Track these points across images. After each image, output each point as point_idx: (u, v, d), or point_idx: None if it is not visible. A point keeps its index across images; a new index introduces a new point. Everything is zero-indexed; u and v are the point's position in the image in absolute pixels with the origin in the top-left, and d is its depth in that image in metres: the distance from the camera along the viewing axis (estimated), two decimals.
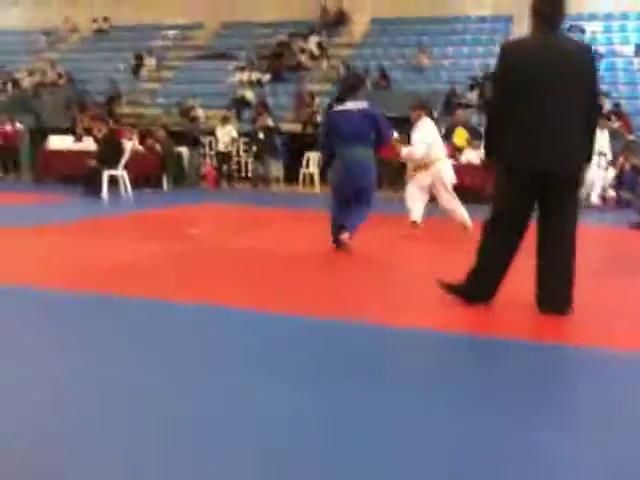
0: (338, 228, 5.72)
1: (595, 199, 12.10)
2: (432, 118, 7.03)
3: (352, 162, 5.57)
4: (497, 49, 15.19)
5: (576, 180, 3.82)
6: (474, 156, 12.17)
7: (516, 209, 3.80)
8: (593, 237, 7.71)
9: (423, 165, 6.93)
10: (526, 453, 2.03)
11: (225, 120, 14.89)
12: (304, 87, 17.32)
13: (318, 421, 2.23)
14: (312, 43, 19.70)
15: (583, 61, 3.77)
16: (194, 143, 14.58)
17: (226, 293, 4.12)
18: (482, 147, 4.18)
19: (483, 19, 19.83)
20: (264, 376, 2.63)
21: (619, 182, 12.34)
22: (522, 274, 3.84)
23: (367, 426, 2.21)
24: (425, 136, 6.98)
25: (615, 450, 2.09)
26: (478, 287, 3.90)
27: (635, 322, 3.78)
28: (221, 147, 14.69)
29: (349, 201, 5.73)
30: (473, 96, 16.46)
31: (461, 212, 7.02)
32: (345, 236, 5.58)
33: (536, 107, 3.67)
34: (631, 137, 13.49)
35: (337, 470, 1.89)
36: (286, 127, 16.11)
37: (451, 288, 4.00)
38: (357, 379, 2.65)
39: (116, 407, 2.31)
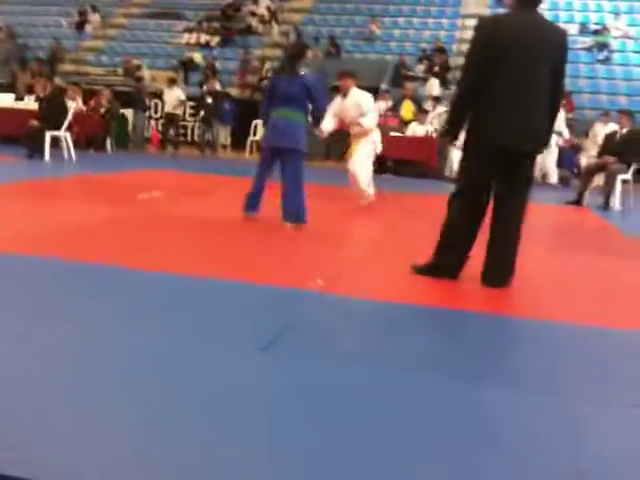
0: (250, 196, 5.79)
1: (555, 179, 12.35)
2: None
3: (275, 120, 5.55)
4: (446, 21, 15.37)
5: (532, 159, 3.93)
6: (420, 129, 12.33)
7: (480, 183, 3.88)
8: (534, 214, 7.95)
9: (364, 133, 7.00)
10: (471, 411, 2.16)
11: (172, 82, 14.61)
12: (251, 55, 17.08)
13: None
14: (262, 6, 19.42)
15: (557, 44, 3.81)
16: (140, 105, 14.28)
17: (172, 260, 4.14)
18: (445, 122, 4.22)
19: None
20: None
21: (559, 160, 12.70)
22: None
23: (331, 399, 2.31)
24: (372, 105, 7.10)
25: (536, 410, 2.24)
26: (445, 262, 3.96)
27: (567, 295, 3.98)
28: (168, 109, 14.43)
29: (270, 165, 5.70)
30: (421, 68, 16.59)
31: (367, 183, 7.11)
32: (289, 226, 5.54)
33: (508, 84, 3.71)
34: (570, 115, 13.86)
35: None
36: (234, 93, 15.97)
37: (420, 270, 4.06)
38: (304, 349, 2.74)
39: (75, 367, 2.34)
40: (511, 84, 3.71)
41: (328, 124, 6.63)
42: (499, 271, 3.94)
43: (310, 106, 5.70)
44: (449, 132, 4.11)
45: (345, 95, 6.97)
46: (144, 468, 1.78)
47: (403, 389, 2.42)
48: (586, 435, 2.16)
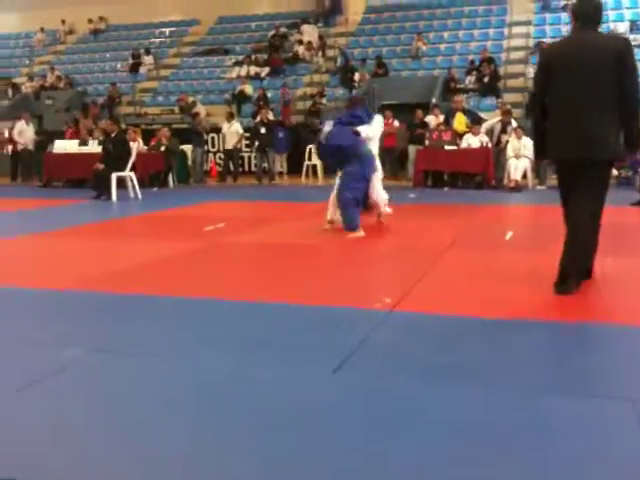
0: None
1: None
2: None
3: None
4: (492, 31, 15.30)
5: (602, 165, 4.09)
6: (474, 141, 12.31)
7: (565, 188, 4.22)
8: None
9: None
10: (544, 418, 2.21)
11: (231, 116, 15.02)
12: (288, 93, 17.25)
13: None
14: (308, 34, 19.77)
15: (614, 57, 3.93)
16: (198, 140, 14.72)
17: (242, 288, 4.30)
18: (533, 145, 4.55)
19: (478, 1, 19.84)
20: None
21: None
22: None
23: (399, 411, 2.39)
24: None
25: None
26: (569, 263, 4.10)
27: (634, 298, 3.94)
28: (227, 144, 14.82)
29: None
30: (471, 80, 16.56)
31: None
32: None
33: (565, 102, 4.04)
34: None
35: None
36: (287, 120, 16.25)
37: (558, 288, 4.08)
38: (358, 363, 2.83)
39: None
40: (568, 102, 4.03)
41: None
42: (574, 275, 4.06)
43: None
44: (537, 155, 4.60)
45: None
46: None
47: (475, 401, 2.48)
48: None
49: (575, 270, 4.06)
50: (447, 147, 12.32)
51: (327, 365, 2.85)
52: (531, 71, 16.73)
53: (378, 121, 7.15)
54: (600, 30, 4.26)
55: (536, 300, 4.01)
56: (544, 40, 17.69)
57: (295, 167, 14.78)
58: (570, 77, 4.00)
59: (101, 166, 10.86)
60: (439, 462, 1.99)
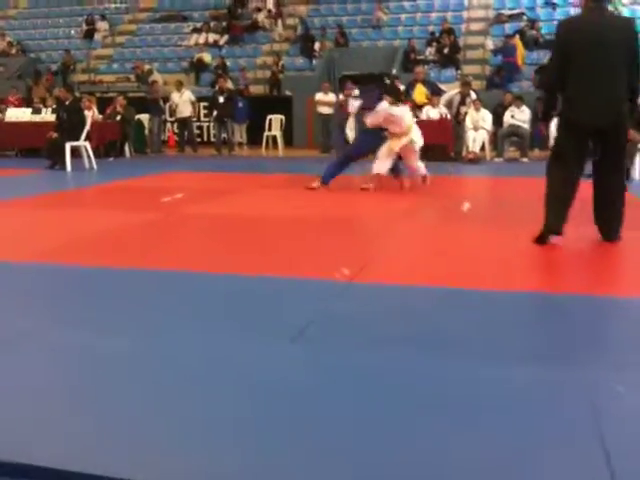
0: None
1: None
2: None
3: None
4: (452, 2, 15.32)
5: (624, 132, 4.64)
6: (433, 113, 12.33)
7: (572, 151, 4.58)
8: None
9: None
10: (495, 388, 2.25)
11: (180, 85, 14.77)
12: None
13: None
14: (269, 2, 19.46)
15: (625, 33, 4.51)
16: (155, 109, 14.44)
17: (200, 259, 4.26)
18: (540, 110, 5.41)
19: None
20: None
21: None
22: None
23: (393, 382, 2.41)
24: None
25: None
26: (550, 221, 4.62)
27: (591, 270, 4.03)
28: (180, 113, 14.59)
29: None
30: (431, 51, 16.55)
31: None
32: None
33: (584, 73, 4.46)
34: None
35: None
36: (246, 89, 16.05)
37: (539, 239, 4.64)
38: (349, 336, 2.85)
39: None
40: (587, 73, 4.46)
41: None
42: (609, 230, 4.64)
43: None
44: (544, 118, 5.23)
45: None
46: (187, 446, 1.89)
47: (428, 370, 2.51)
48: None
49: (614, 230, 4.62)
50: None
51: (285, 335, 2.85)
52: (490, 43, 16.83)
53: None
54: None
55: (492, 270, 4.07)
56: (503, 12, 17.80)
57: (255, 138, 14.63)
58: (588, 53, 4.42)
59: (55, 135, 10.60)
60: (392, 431, 2.01)
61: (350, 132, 10.22)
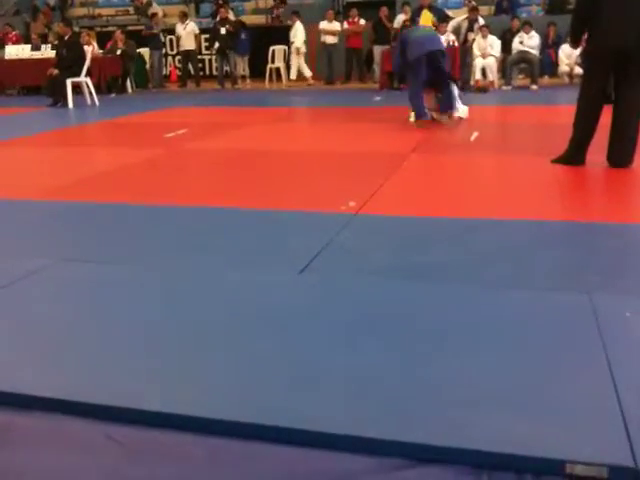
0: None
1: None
2: None
3: None
4: None
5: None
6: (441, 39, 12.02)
7: (599, 79, 4.80)
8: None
9: None
10: (499, 311, 2.26)
11: (184, 16, 14.39)
12: None
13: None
14: None
15: None
16: (156, 43, 14.13)
17: (206, 194, 4.25)
18: (570, 34, 5.34)
19: None
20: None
21: None
22: None
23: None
24: None
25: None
26: (572, 152, 4.92)
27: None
28: (183, 45, 14.27)
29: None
30: None
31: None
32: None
33: (611, 3, 4.64)
34: None
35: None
36: (248, 20, 15.66)
37: (559, 160, 4.94)
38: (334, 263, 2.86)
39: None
40: (612, 3, 4.63)
41: None
42: (621, 154, 4.76)
43: None
44: (573, 41, 5.27)
45: None
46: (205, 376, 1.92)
47: (436, 299, 2.52)
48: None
49: (632, 149, 4.73)
50: None
51: (293, 267, 2.86)
52: None
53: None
54: None
55: (501, 199, 4.04)
56: None
57: (258, 70, 14.35)
58: None
59: (55, 71, 10.44)
60: (401, 359, 2.03)
61: None
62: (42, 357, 2.14)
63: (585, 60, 5.16)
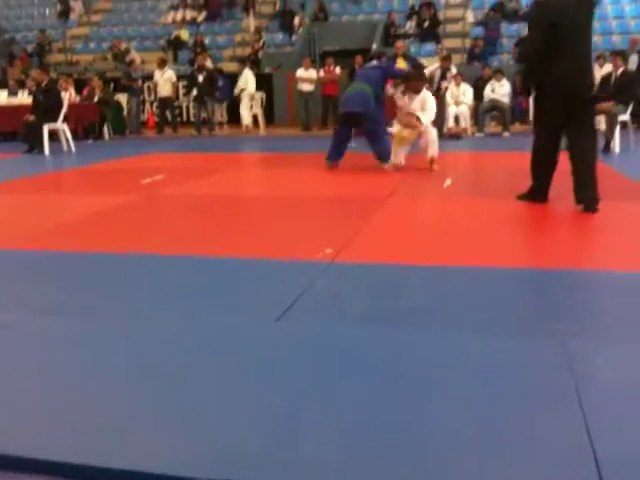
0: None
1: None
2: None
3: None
4: None
5: (595, 102, 5.21)
6: None
7: (552, 123, 4.98)
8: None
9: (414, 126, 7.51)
10: (476, 357, 2.27)
11: (163, 63, 14.55)
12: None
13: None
14: None
15: (590, 9, 5.03)
16: (133, 89, 14.25)
17: (182, 242, 4.24)
18: (521, 82, 5.89)
19: None
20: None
21: None
22: None
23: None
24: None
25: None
26: (535, 190, 5.17)
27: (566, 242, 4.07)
28: (161, 92, 14.41)
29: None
30: (411, 25, 16.45)
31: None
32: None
33: (564, 47, 4.77)
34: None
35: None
36: (226, 67, 15.89)
37: (523, 197, 5.24)
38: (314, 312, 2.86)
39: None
40: (567, 47, 4.77)
41: None
42: (587, 201, 4.83)
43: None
44: (524, 89, 5.74)
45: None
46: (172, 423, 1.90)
47: (412, 345, 2.53)
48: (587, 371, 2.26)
49: (594, 195, 4.80)
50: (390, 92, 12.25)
51: (269, 314, 2.86)
52: (470, 16, 16.75)
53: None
54: None
55: (475, 246, 4.09)
56: None
57: (235, 117, 14.50)
58: (567, 27, 4.75)
59: (32, 117, 10.45)
60: (373, 406, 2.03)
61: None
62: (11, 414, 2.10)
63: (538, 105, 5.16)
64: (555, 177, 5.15)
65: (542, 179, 5.12)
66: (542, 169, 5.10)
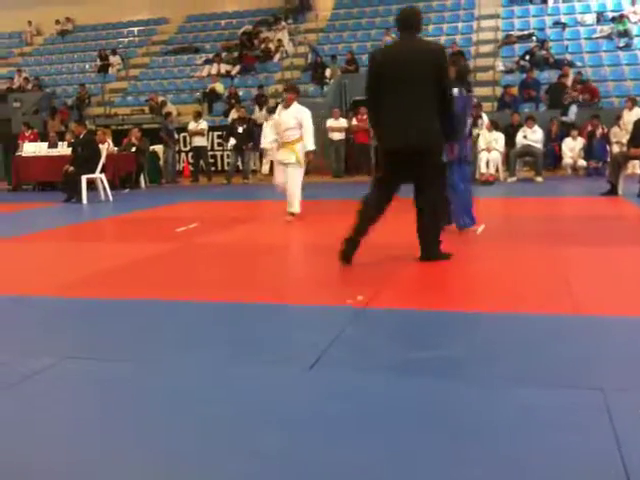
0: None
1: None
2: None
3: None
4: (461, 25, 15.50)
5: (432, 154, 4.66)
6: None
7: (386, 176, 4.78)
8: (568, 206, 7.97)
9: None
10: (517, 409, 2.23)
11: (198, 115, 14.94)
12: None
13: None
14: (279, 31, 19.71)
15: (432, 61, 4.59)
16: (169, 140, 14.60)
17: (217, 289, 4.28)
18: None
19: None
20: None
21: (588, 151, 12.62)
22: None
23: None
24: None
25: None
26: (347, 247, 4.76)
27: (606, 288, 4.01)
28: (195, 142, 14.74)
29: None
30: None
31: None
32: None
33: (393, 98, 4.58)
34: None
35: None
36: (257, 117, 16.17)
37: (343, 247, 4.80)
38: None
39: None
40: (395, 99, 4.57)
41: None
42: (423, 249, 4.80)
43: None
44: (375, 139, 5.21)
45: (287, 107, 7.82)
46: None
47: (448, 396, 2.49)
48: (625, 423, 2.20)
49: (430, 247, 4.77)
50: None
51: (303, 362, 2.85)
52: (500, 64, 16.89)
53: None
54: (420, 36, 4.92)
55: (509, 292, 4.04)
56: (512, 33, 17.89)
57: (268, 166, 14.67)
58: (397, 78, 4.54)
59: (71, 168, 10.74)
60: (409, 457, 2.00)
61: None
62: (45, 460, 2.11)
63: (379, 158, 4.98)
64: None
65: (360, 227, 4.76)
66: (362, 216, 4.78)
